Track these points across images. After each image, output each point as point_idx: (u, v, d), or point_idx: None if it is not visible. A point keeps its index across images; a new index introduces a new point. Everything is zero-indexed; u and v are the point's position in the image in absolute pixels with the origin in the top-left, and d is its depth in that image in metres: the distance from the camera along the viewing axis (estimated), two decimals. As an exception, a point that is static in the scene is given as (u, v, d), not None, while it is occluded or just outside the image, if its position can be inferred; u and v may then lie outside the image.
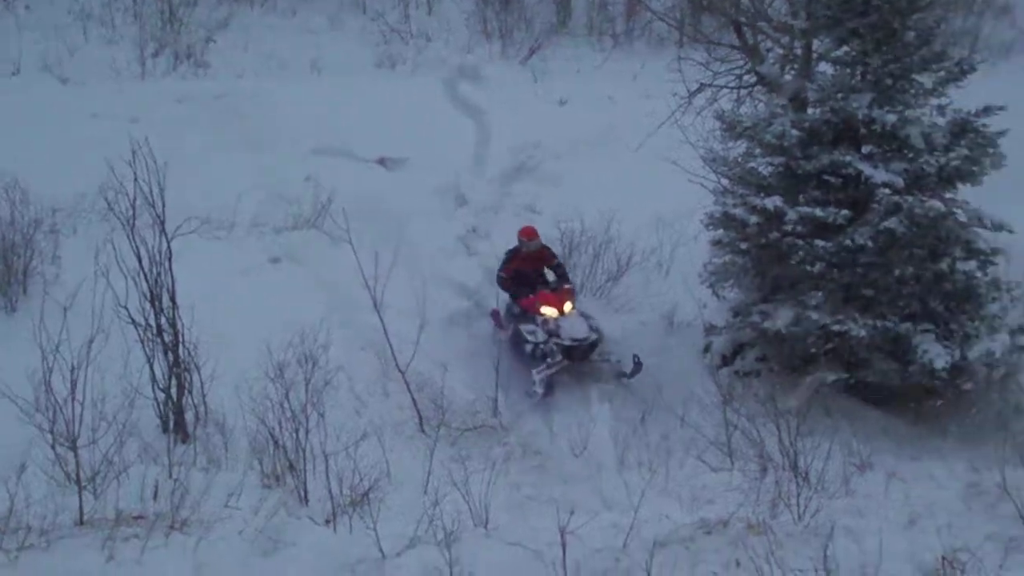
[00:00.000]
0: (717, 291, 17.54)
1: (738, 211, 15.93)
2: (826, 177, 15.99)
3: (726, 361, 17.02)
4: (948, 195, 16.07)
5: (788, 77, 17.66)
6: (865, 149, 15.97)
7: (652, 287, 18.64)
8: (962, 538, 11.23)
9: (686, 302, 17.86)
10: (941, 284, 15.91)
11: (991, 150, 15.86)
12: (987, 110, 15.89)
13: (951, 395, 16.06)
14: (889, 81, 15.83)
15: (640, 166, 20.69)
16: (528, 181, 21.96)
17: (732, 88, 19.57)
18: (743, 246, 16.26)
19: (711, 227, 16.60)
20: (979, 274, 16.07)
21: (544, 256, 17.97)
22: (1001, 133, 15.82)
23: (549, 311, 17.16)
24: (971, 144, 15.84)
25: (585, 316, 17.27)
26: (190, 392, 14.39)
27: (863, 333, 15.40)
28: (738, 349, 17.04)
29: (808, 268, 15.70)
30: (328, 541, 11.95)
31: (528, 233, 17.96)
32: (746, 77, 19.44)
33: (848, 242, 15.47)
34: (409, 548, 11.54)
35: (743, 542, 10.81)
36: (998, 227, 16.14)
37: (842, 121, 15.97)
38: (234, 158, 21.14)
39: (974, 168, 15.89)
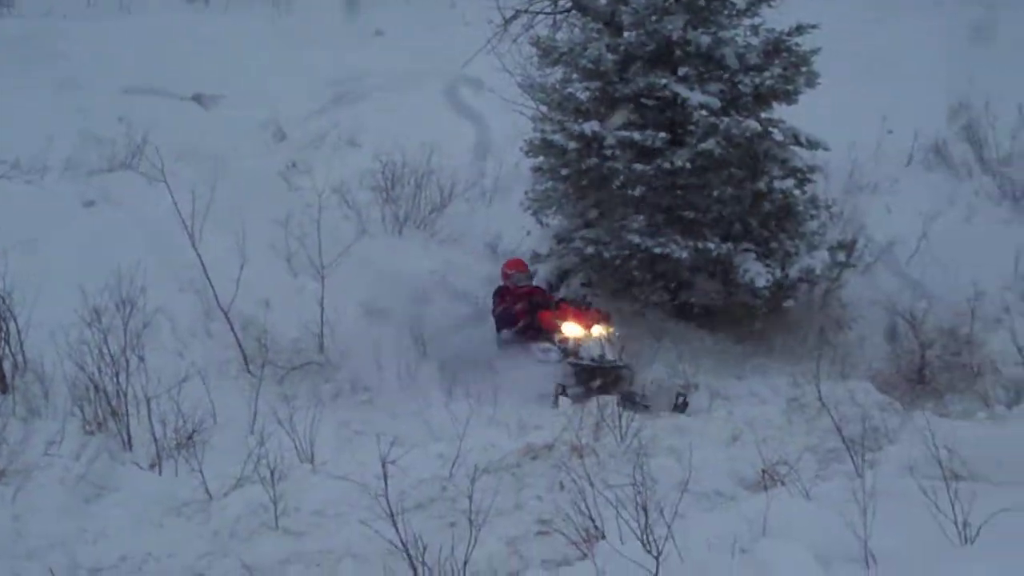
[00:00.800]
0: (540, 218, 17.55)
1: (556, 137, 15.90)
2: (643, 100, 16.03)
3: (552, 288, 16.99)
4: (764, 115, 16.23)
5: (603, 1, 17.60)
6: (681, 71, 15.99)
7: (476, 216, 18.60)
8: (782, 451, 11.39)
9: (510, 230, 17.84)
10: (760, 203, 16.09)
11: (804, 68, 16.06)
12: (799, 29, 16.08)
13: (774, 313, 16.27)
14: (702, 2, 15.92)
15: (460, 95, 20.58)
16: (347, 114, 21.72)
17: (548, 14, 19.52)
18: (563, 172, 16.25)
19: (531, 154, 16.58)
20: (797, 192, 16.30)
21: (534, 295, 16.14)
22: (814, 51, 16.00)
23: (572, 330, 15.17)
24: (785, 63, 16.06)
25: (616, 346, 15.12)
26: (7, 341, 13.95)
27: (685, 255, 15.51)
28: (563, 275, 16.98)
29: (628, 192, 15.76)
30: (153, 485, 11.72)
31: (516, 266, 16.38)
32: (561, 2, 19.38)
33: (667, 165, 15.55)
34: (236, 488, 11.37)
35: (567, 465, 10.85)
36: (814, 145, 16.39)
37: (657, 43, 16.03)
38: (43, 100, 20.50)
39: (789, 87, 16.10)
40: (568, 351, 14.92)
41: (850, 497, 7.47)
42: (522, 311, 15.70)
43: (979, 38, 23.71)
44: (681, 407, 14.26)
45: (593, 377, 14.67)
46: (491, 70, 18.98)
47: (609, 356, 14.73)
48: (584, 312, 15.43)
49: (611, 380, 14.69)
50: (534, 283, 16.41)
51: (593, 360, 14.69)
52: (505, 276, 16.23)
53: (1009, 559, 5.98)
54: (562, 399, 14.21)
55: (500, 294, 16.09)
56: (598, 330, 15.07)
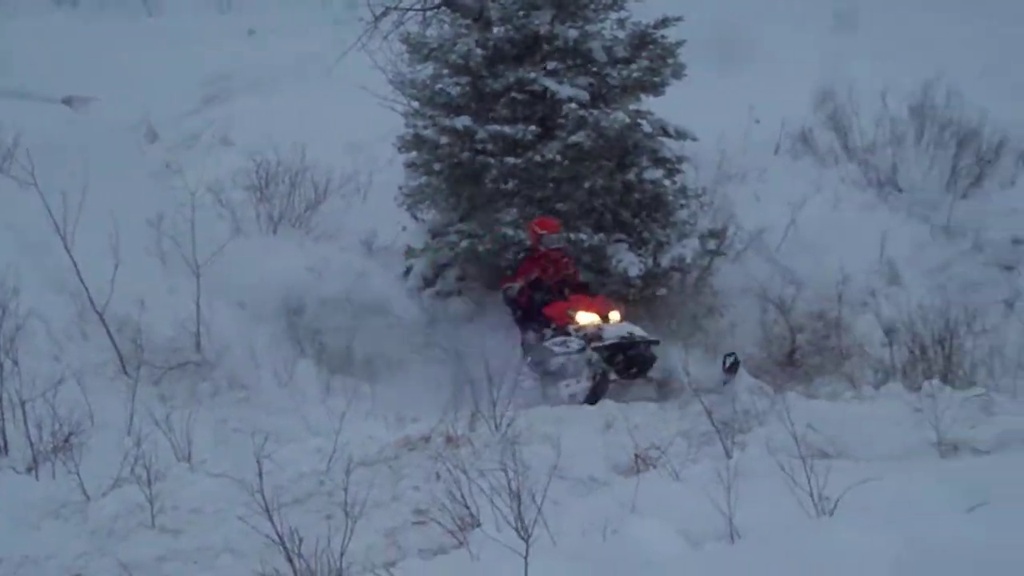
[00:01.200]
0: (415, 213, 17.62)
1: (429, 132, 16.05)
2: (513, 95, 16.18)
3: (427, 283, 17.10)
4: (632, 107, 16.45)
5: (472, -3, 17.77)
6: (550, 65, 16.17)
7: (351, 213, 18.58)
8: (654, 437, 11.56)
9: (385, 226, 17.88)
10: (631, 194, 16.29)
11: (671, 60, 16.31)
12: (665, 21, 16.32)
13: (647, 302, 16.47)
14: (569, -3, 16.14)
15: (332, 93, 20.63)
16: (220, 114, 21.67)
17: (417, 10, 19.48)
18: (436, 167, 16.36)
19: (403, 150, 16.71)
20: (667, 182, 16.53)
21: (561, 262, 15.37)
22: (679, 43, 16.26)
23: (587, 318, 14.33)
24: (651, 55, 16.29)
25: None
26: None
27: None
28: (438, 270, 17.10)
29: (501, 186, 15.91)
30: (30, 488, 11.58)
31: (548, 226, 15.31)
32: (430, -1, 19.50)
33: (538, 158, 15.73)
34: (113, 488, 11.32)
35: (443, 455, 10.96)
36: (682, 135, 16.64)
37: (525, 38, 16.20)
38: (-92, 104, 20.24)
39: (656, 79, 16.34)
40: (589, 337, 14.02)
41: (718, 478, 7.64)
42: (526, 299, 14.90)
43: (841, 26, 24.23)
44: (732, 370, 13.68)
45: (621, 358, 13.99)
46: (363, 67, 18.99)
47: (639, 333, 14.13)
48: (594, 300, 14.88)
49: (645, 358, 14.18)
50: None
51: (623, 338, 13.97)
52: (535, 237, 15.35)
53: (863, 527, 6.20)
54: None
55: (529, 261, 15.31)
56: (615, 315, 14.55)
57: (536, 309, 14.97)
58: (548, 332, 14.64)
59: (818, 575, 5.90)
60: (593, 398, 13.51)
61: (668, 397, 13.78)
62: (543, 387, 14.27)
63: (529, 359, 14.71)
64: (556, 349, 14.20)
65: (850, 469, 8.08)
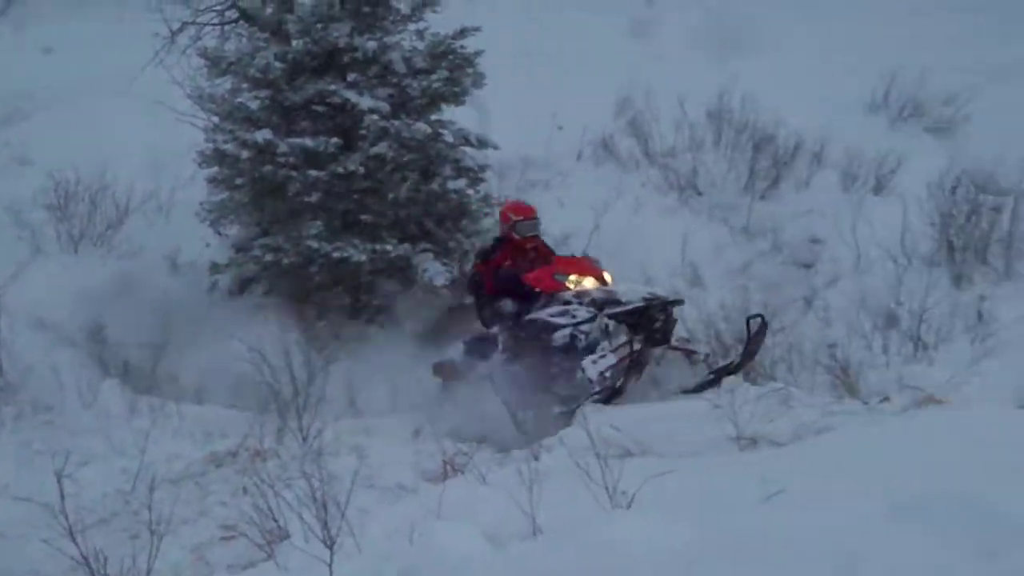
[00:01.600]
0: (218, 229, 17.46)
1: (229, 147, 15.93)
2: (314, 107, 16.19)
3: (233, 298, 16.97)
4: (434, 117, 16.56)
5: (269, 10, 17.60)
6: (350, 77, 16.22)
7: (154, 230, 18.34)
8: (463, 443, 11.70)
9: (189, 242, 17.70)
10: (435, 204, 16.39)
11: (470, 70, 16.45)
12: (463, 32, 16.46)
13: (456, 309, 16.59)
14: (367, 9, 16.22)
15: (132, 110, 20.39)
16: (17, 133, 21.25)
17: (215, 24, 19.48)
18: (238, 182, 16.25)
19: (204, 165, 16.58)
20: (470, 191, 16.64)
21: (539, 251, 14.20)
22: (478, 53, 16.41)
23: (586, 281, 12.60)
24: (451, 65, 16.39)
25: None
26: None
27: (364, 258, 15.71)
28: (244, 285, 16.98)
29: (304, 199, 15.87)
30: None
31: (523, 211, 14.37)
32: (228, 13, 19.36)
33: (341, 170, 15.74)
34: (-87, 519, 11.10)
35: (250, 469, 10.95)
36: (484, 144, 16.79)
37: (324, 51, 16.20)
38: None
39: (456, 89, 16.46)
40: (599, 303, 12.16)
41: (522, 479, 7.75)
42: (489, 283, 13.72)
43: (640, 33, 24.62)
44: (760, 332, 12.63)
45: (640, 323, 12.10)
46: (161, 83, 18.80)
47: (660, 292, 12.62)
48: (579, 262, 13.45)
49: (669, 322, 12.56)
50: None
51: (645, 299, 12.20)
52: (507, 222, 14.42)
53: (659, 518, 6.32)
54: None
55: (494, 248, 14.31)
56: (609, 277, 12.97)
57: (507, 281, 13.59)
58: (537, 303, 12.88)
59: (614, 565, 6.01)
60: (629, 377, 11.82)
61: None
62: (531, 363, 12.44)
63: (508, 341, 13.09)
64: (558, 320, 12.27)
65: (650, 465, 8.25)
